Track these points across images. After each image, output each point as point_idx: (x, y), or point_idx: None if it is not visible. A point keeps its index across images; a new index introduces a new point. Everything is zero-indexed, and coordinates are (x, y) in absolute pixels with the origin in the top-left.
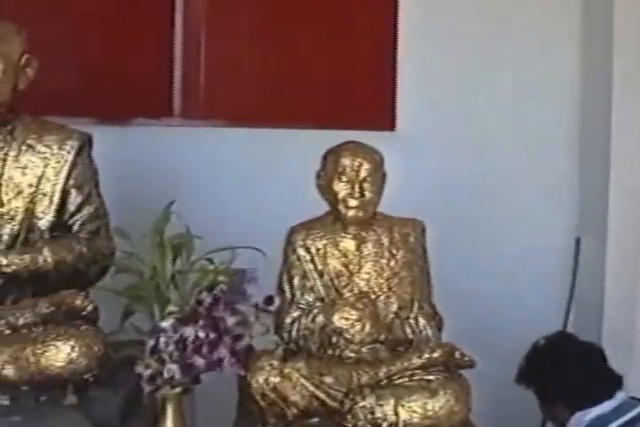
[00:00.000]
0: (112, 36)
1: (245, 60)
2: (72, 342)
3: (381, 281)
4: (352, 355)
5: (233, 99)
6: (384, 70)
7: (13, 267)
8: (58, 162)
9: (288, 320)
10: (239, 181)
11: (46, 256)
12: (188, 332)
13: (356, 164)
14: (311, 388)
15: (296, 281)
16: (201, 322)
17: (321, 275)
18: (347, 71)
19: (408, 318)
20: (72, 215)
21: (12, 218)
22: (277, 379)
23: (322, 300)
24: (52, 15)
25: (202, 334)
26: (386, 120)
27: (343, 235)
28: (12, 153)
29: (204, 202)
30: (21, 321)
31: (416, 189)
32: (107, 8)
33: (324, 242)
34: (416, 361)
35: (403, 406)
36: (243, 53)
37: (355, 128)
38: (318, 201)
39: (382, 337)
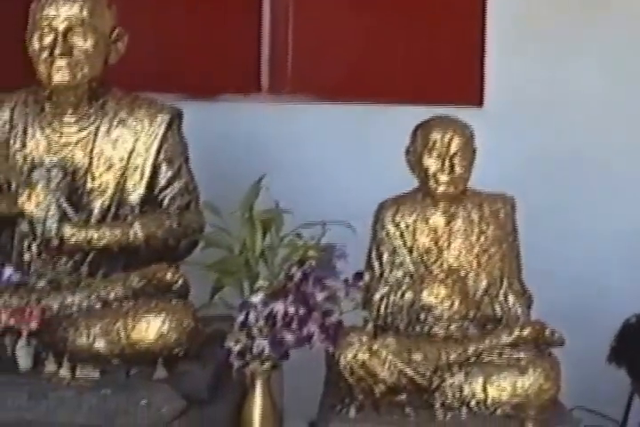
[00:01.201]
0: (200, 12)
1: (333, 36)
2: (162, 317)
3: (471, 257)
4: (440, 332)
5: (320, 74)
6: (472, 46)
7: (104, 241)
8: (148, 136)
9: (377, 296)
10: (327, 157)
11: (137, 231)
12: (278, 307)
13: (447, 138)
14: (399, 365)
15: (385, 257)
16: (290, 297)
17: (410, 251)
18: (434, 47)
19: (497, 295)
20: (162, 190)
21: (103, 192)
22: (366, 355)
23: (411, 276)
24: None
25: (291, 310)
26: (473, 95)
27: (433, 210)
28: (104, 127)
29: (293, 177)
30: (112, 295)
31: (505, 164)
32: None
33: (414, 218)
34: (505, 339)
35: (491, 383)
36: (330, 28)
37: (442, 103)
38: (407, 177)
39: (471, 314)
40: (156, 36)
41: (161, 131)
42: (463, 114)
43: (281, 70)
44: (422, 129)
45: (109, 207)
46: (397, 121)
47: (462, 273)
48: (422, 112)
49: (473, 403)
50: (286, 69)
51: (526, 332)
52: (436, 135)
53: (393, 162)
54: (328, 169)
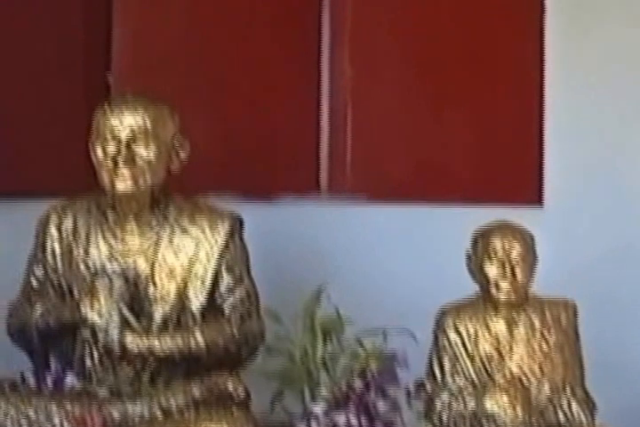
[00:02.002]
0: (257, 110)
1: (391, 135)
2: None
3: (533, 364)
4: None
5: (380, 174)
6: (530, 144)
7: (166, 349)
8: (209, 244)
9: (439, 405)
10: (386, 259)
11: (198, 339)
12: (340, 418)
13: (507, 245)
14: None
15: (446, 364)
16: (352, 407)
17: (472, 358)
18: (492, 145)
19: (561, 402)
20: (223, 297)
21: (165, 300)
22: None
23: (473, 384)
24: (197, 90)
25: (354, 421)
26: (532, 195)
27: (494, 317)
28: (165, 235)
29: (353, 280)
30: (173, 404)
31: (566, 266)
32: (249, 83)
33: (475, 324)
34: None
35: None
36: (389, 128)
37: (501, 203)
38: (467, 281)
39: (534, 422)
40: (213, 135)
41: (222, 238)
42: (523, 214)
43: (340, 170)
44: (483, 236)
45: (171, 315)
46: (457, 221)
47: (525, 381)
48: (482, 212)
49: None
50: (345, 169)
51: None
52: (496, 242)
53: (453, 264)
54: (388, 271)
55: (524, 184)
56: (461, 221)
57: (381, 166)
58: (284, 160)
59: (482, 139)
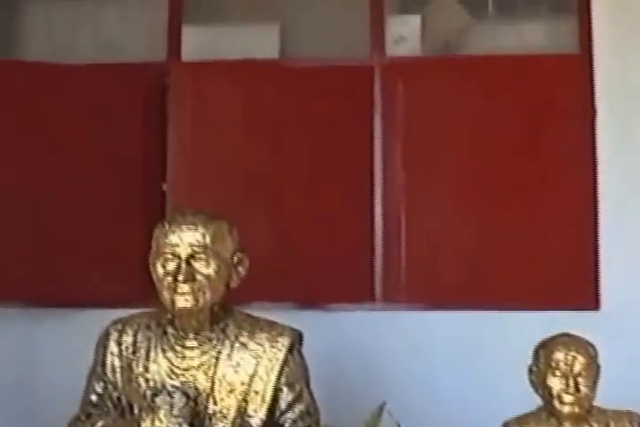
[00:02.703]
0: (312, 222)
1: (445, 244)
2: None
3: None
4: None
5: (434, 282)
6: (586, 247)
7: None
8: (270, 360)
9: None
10: (443, 366)
11: None
12: None
13: (570, 358)
14: None
15: None
16: None
17: None
18: (547, 250)
19: None
20: (283, 413)
21: (225, 416)
22: None
23: None
24: (251, 201)
25: None
26: (589, 298)
27: None
28: (225, 351)
29: (411, 391)
30: None
31: (627, 373)
32: (303, 195)
33: None
34: None
35: None
36: (442, 237)
37: (557, 308)
38: (527, 388)
39: None
40: (270, 246)
41: (282, 355)
42: (579, 318)
43: (394, 278)
44: (545, 349)
45: None
46: (513, 328)
47: None
48: (538, 318)
49: None
50: (399, 278)
51: None
52: (559, 355)
53: (511, 371)
54: (446, 380)
55: (581, 288)
56: (516, 327)
57: (436, 274)
58: (338, 270)
59: (536, 243)
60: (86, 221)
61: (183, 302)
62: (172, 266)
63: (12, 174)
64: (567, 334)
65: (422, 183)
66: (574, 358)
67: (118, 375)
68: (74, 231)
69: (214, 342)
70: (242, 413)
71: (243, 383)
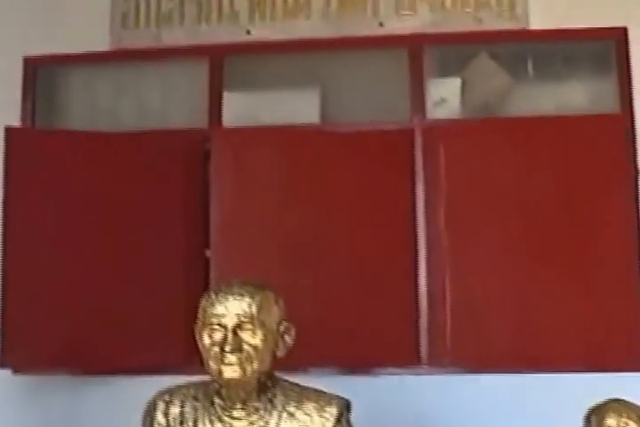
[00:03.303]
0: (356, 286)
1: (490, 305)
2: None
3: None
4: None
5: (480, 344)
6: (635, 307)
7: None
8: None
9: None
10: None
11: None
12: None
13: (622, 424)
14: None
15: None
16: None
17: None
18: (595, 311)
19: None
20: None
21: None
22: None
23: None
24: (295, 266)
25: None
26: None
27: None
28: (273, 421)
29: None
30: None
31: None
32: (345, 257)
33: None
34: None
35: None
36: (487, 298)
37: (606, 370)
38: None
39: None
40: (314, 311)
41: (330, 424)
42: (631, 380)
43: (440, 341)
44: (596, 414)
45: None
46: (561, 391)
47: None
48: (585, 380)
49: None
50: (445, 340)
51: None
52: (611, 421)
53: None
54: None
55: (631, 349)
56: (565, 390)
57: (481, 336)
58: (383, 334)
59: (584, 304)
60: (130, 289)
61: (231, 372)
62: (218, 336)
63: (59, 245)
64: (618, 400)
65: (466, 245)
66: (626, 424)
67: None
68: (118, 299)
69: (262, 412)
70: None
71: None
